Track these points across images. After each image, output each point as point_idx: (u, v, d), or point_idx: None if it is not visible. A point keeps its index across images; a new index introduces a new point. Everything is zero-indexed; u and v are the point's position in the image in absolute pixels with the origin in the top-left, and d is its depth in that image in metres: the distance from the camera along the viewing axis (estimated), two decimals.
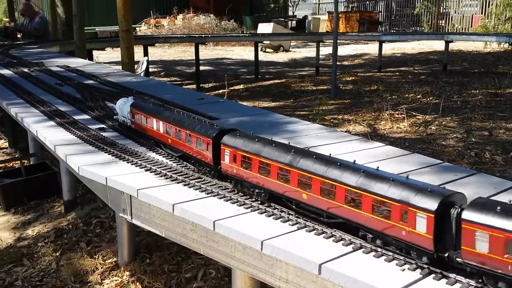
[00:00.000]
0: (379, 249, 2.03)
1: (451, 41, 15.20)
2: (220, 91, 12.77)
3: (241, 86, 14.19)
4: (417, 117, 9.16)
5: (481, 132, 7.96)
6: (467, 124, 8.46)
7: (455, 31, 26.22)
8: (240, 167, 2.50)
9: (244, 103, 11.11)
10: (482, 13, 26.16)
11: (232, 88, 13.63)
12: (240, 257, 2.31)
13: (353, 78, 14.89)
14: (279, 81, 15.00)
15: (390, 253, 2.00)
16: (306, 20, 30.49)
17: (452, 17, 28.69)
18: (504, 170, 6.30)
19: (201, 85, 14.43)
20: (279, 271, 2.15)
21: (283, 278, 2.15)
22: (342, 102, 11.20)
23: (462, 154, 6.91)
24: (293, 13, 36.00)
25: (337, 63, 18.08)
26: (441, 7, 28.88)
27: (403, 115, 9.19)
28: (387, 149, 3.65)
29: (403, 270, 1.92)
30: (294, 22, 31.33)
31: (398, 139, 8.02)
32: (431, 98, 10.94)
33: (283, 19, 30.30)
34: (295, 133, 4.11)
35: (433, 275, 1.86)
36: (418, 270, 1.90)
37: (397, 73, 15.45)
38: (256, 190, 2.46)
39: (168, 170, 2.94)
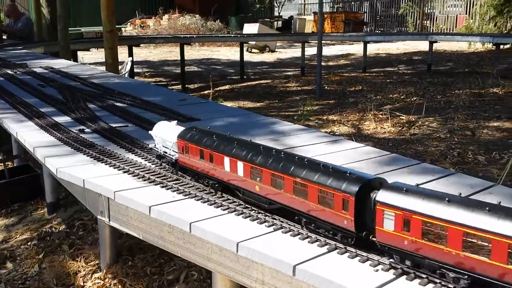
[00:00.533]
0: (353, 250, 2.04)
1: (435, 42, 15.33)
2: (206, 91, 12.75)
3: (227, 87, 14.18)
4: (400, 117, 9.22)
5: (464, 132, 8.04)
6: (450, 124, 8.53)
7: (439, 31, 26.44)
8: (419, 239, 1.77)
9: (229, 104, 11.13)
10: (466, 14, 26.39)
11: (218, 88, 13.61)
12: (217, 259, 2.31)
13: (338, 78, 14.95)
14: (265, 81, 15.01)
15: (364, 254, 2.01)
16: (292, 21, 30.55)
17: (436, 17, 28.92)
18: (486, 170, 6.36)
19: (186, 85, 14.40)
20: (255, 273, 2.15)
21: (259, 280, 2.15)
22: (327, 103, 11.23)
23: (445, 154, 6.96)
24: (279, 13, 36.05)
25: (323, 63, 18.16)
26: (426, 8, 29.11)
27: (387, 116, 9.24)
28: (367, 149, 3.67)
29: (377, 270, 1.93)
30: (280, 23, 31.39)
31: (382, 139, 8.07)
32: (415, 98, 11.02)
33: (268, 20, 30.35)
34: (277, 134, 4.12)
35: (405, 276, 1.88)
36: (392, 271, 1.91)
37: (382, 74, 15.54)
38: (451, 274, 1.73)
39: (146, 171, 2.93)
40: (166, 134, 2.98)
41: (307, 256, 2.02)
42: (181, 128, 2.92)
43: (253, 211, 2.41)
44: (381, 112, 9.73)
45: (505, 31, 19.73)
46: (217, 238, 2.22)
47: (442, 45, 20.68)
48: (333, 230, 2.09)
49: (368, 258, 1.99)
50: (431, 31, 26.96)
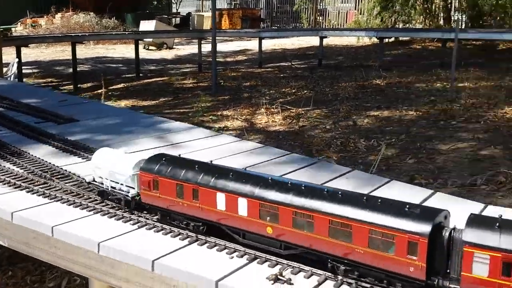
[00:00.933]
0: (212, 240, 2.14)
1: (325, 37, 16.01)
2: (100, 90, 12.39)
3: (121, 85, 13.87)
4: (291, 110, 9.55)
5: (347, 122, 8.51)
6: (335, 115, 8.99)
7: (331, 27, 27.59)
8: None
9: (124, 103, 10.93)
10: (356, 9, 27.75)
11: (113, 87, 13.28)
12: (83, 262, 2.30)
13: (235, 74, 15.16)
14: (161, 78, 14.86)
15: (222, 243, 2.12)
16: (190, 17, 30.45)
17: (329, 13, 30.15)
18: (365, 156, 6.78)
19: (79, 85, 13.88)
20: (120, 272, 2.18)
21: (123, 278, 2.18)
22: (222, 98, 11.36)
23: (329, 144, 7.33)
24: (177, 10, 35.76)
25: (221, 59, 18.29)
26: (319, 4, 30.24)
27: (278, 109, 9.54)
28: (243, 143, 3.82)
29: (232, 258, 2.04)
30: (178, 19, 31.16)
31: (273, 132, 8.33)
32: (305, 92, 11.45)
33: (166, 16, 30.00)
34: (161, 131, 4.17)
35: (257, 260, 2.01)
36: (246, 256, 2.03)
37: (277, 68, 15.96)
38: None
39: (12, 177, 2.85)
40: (115, 166, 2.41)
41: (166, 250, 2.09)
42: (135, 157, 2.42)
43: (119, 210, 2.43)
44: (273, 106, 10.01)
45: (391, 26, 21.01)
46: (79, 239, 2.22)
47: (334, 40, 21.59)
48: (389, 279, 1.71)
49: (226, 246, 2.10)
50: (324, 26, 28.07)
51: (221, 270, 1.95)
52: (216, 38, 12.66)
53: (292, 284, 1.83)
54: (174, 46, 22.77)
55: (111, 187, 2.43)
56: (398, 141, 7.27)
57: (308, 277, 1.86)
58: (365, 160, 6.51)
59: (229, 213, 2.02)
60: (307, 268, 1.88)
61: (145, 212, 2.35)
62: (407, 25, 20.40)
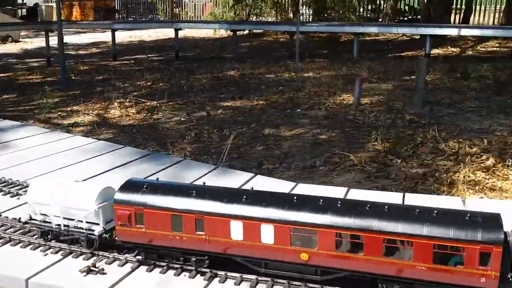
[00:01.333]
0: (25, 240, 2.08)
1: (180, 29, 16.00)
2: None
3: None
4: (146, 103, 9.44)
5: (201, 114, 8.63)
6: (190, 107, 9.07)
7: (188, 19, 27.63)
8: None
9: None
10: (211, 2, 28.08)
11: None
12: None
13: (87, 67, 14.55)
14: (5, 74, 13.78)
15: (36, 241, 2.06)
16: (38, 8, 28.51)
17: (186, 5, 30.13)
18: (218, 146, 6.95)
19: None
20: None
21: None
22: (72, 93, 10.85)
23: (184, 135, 7.38)
24: (23, 0, 33.25)
25: (73, 52, 17.42)
26: None
27: (132, 103, 9.37)
28: (75, 140, 3.72)
29: (46, 255, 2.00)
30: (24, 10, 29.00)
31: (127, 126, 8.17)
32: (161, 85, 11.37)
33: (10, 8, 27.75)
34: None
35: (73, 254, 1.99)
36: (61, 252, 2.00)
37: (132, 61, 15.63)
38: None
39: None
40: (69, 200, 2.01)
41: None
42: (93, 187, 2.04)
43: None
44: (127, 100, 9.81)
45: (244, 18, 21.60)
46: None
47: (191, 32, 21.66)
48: None
49: (40, 244, 2.05)
50: (181, 18, 28.01)
51: (33, 267, 1.90)
52: (67, 30, 12.06)
53: (106, 273, 1.84)
54: (20, 39, 21.24)
55: (64, 225, 2.02)
56: (249, 130, 7.55)
57: (122, 266, 1.89)
58: (218, 150, 6.66)
59: (249, 242, 1.77)
60: (121, 257, 1.91)
61: (114, 250, 1.97)
62: (260, 18, 21.15)
